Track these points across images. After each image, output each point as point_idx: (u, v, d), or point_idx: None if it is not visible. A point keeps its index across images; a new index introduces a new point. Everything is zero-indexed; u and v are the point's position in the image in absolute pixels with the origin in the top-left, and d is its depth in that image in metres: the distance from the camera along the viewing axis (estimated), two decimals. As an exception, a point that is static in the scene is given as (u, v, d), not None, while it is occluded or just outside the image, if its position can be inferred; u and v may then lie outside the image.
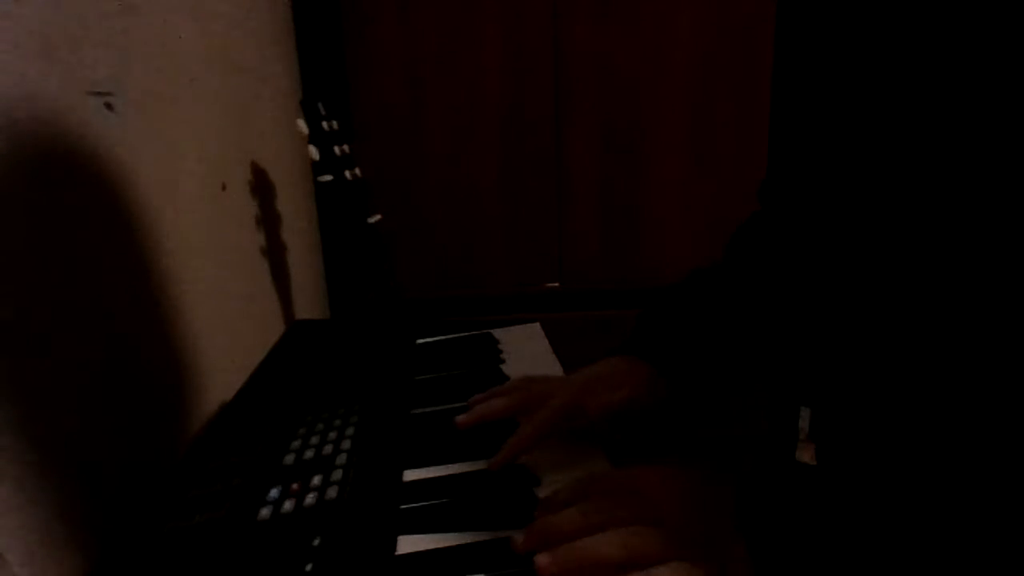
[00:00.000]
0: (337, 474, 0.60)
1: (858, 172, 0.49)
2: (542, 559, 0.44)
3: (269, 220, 1.17)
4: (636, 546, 0.44)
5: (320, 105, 0.91)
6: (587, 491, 0.50)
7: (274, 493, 0.58)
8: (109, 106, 0.72)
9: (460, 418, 0.64)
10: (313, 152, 0.89)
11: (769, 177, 0.71)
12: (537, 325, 0.94)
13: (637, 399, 0.64)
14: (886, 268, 0.47)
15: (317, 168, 0.90)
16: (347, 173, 0.92)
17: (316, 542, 0.51)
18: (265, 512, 0.56)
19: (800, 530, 0.44)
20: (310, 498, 0.57)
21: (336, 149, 0.91)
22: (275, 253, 1.19)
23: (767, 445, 0.59)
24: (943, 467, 0.43)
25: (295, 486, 0.58)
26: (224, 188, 1.01)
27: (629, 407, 0.63)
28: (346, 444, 0.64)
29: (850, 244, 0.50)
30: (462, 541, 0.52)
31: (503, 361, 0.83)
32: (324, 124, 0.91)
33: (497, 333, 0.91)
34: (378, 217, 0.94)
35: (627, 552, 0.43)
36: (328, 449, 0.64)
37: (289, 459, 0.63)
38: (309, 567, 0.49)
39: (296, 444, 0.65)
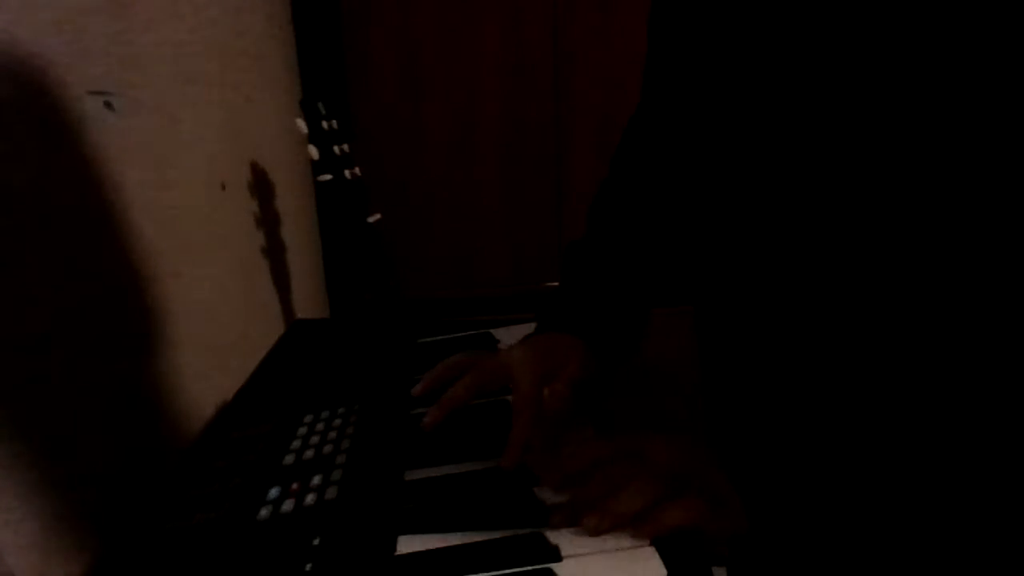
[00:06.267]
0: (337, 474, 0.60)
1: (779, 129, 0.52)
2: (590, 520, 0.51)
3: (269, 220, 1.17)
4: (652, 496, 0.51)
5: (320, 105, 0.91)
6: (596, 457, 0.56)
7: (274, 493, 0.58)
8: (109, 105, 0.72)
9: (427, 420, 0.63)
10: (313, 152, 0.89)
11: (630, 143, 0.78)
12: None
13: (587, 370, 0.67)
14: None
15: (317, 168, 0.90)
16: (347, 172, 0.91)
17: (316, 542, 0.51)
18: (265, 512, 0.55)
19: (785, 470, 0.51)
20: (310, 498, 0.57)
21: (336, 149, 0.91)
22: (275, 253, 1.19)
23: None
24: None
25: (295, 486, 0.58)
26: (224, 188, 1.01)
27: (583, 375, 0.66)
28: (346, 444, 0.64)
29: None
30: (462, 541, 0.52)
31: (503, 361, 0.83)
32: (324, 124, 0.91)
33: (497, 333, 0.91)
34: (378, 216, 0.94)
35: (644, 500, 0.51)
36: (328, 449, 0.64)
37: (289, 459, 0.63)
38: (309, 567, 0.49)
39: (296, 444, 0.65)
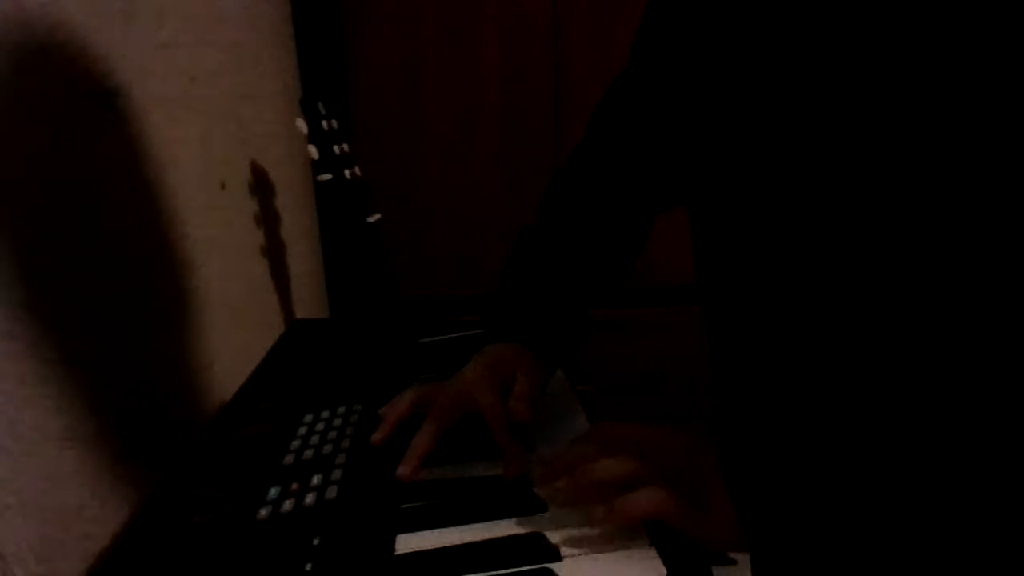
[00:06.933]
0: (337, 474, 0.60)
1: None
2: (561, 482, 0.54)
3: (268, 219, 1.17)
4: (628, 470, 0.52)
5: (320, 105, 0.91)
6: (594, 439, 0.58)
7: (274, 493, 0.58)
8: (110, 106, 0.72)
9: (402, 472, 0.60)
10: (313, 151, 0.89)
11: (611, 108, 0.79)
12: None
13: (539, 375, 0.68)
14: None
15: (317, 167, 0.90)
16: (347, 172, 0.91)
17: (316, 542, 0.51)
18: (265, 512, 0.55)
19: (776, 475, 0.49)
20: (310, 498, 0.57)
21: (336, 148, 0.91)
22: (274, 252, 1.19)
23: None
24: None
25: (295, 486, 0.58)
26: (224, 187, 1.01)
27: (534, 384, 0.66)
28: (346, 444, 0.64)
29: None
30: (461, 540, 0.52)
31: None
32: (324, 123, 0.91)
33: (497, 333, 0.91)
34: (378, 216, 0.94)
35: (620, 474, 0.52)
36: (328, 449, 0.64)
37: (289, 459, 0.63)
38: (309, 567, 0.49)
39: (296, 444, 0.65)
